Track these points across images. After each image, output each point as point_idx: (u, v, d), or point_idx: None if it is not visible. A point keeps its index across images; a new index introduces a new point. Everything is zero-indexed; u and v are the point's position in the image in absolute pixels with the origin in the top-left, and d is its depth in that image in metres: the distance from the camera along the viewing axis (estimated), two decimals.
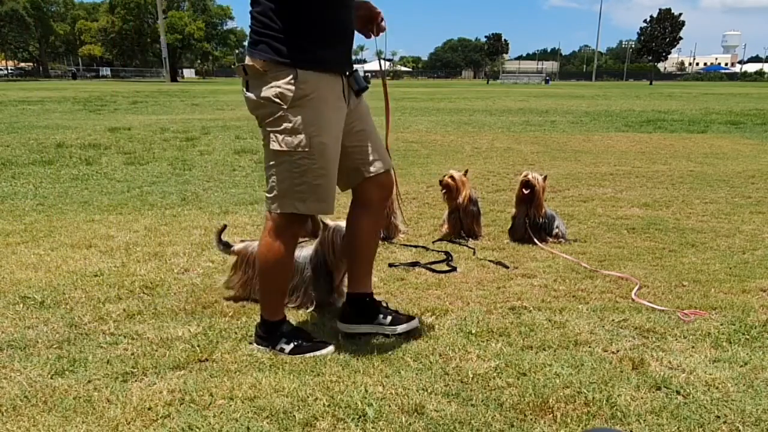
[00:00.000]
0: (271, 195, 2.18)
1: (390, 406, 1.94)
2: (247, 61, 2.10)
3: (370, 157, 2.34)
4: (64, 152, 7.78)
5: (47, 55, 77.59)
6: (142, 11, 62.69)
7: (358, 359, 2.26)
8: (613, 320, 2.64)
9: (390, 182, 2.43)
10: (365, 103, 2.35)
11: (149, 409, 1.91)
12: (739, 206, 5.03)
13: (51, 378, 2.10)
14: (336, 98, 2.16)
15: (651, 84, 64.69)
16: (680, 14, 74.44)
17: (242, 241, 2.97)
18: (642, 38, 77.07)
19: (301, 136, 2.08)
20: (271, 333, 2.33)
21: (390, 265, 3.40)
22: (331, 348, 2.32)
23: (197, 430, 1.81)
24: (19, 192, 5.35)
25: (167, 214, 4.56)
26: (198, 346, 2.35)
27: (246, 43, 2.51)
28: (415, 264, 3.42)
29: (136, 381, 2.09)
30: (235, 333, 2.48)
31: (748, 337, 2.47)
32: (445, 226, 4.11)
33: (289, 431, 1.82)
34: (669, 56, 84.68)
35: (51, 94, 23.41)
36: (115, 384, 2.06)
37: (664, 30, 74.35)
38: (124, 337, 2.43)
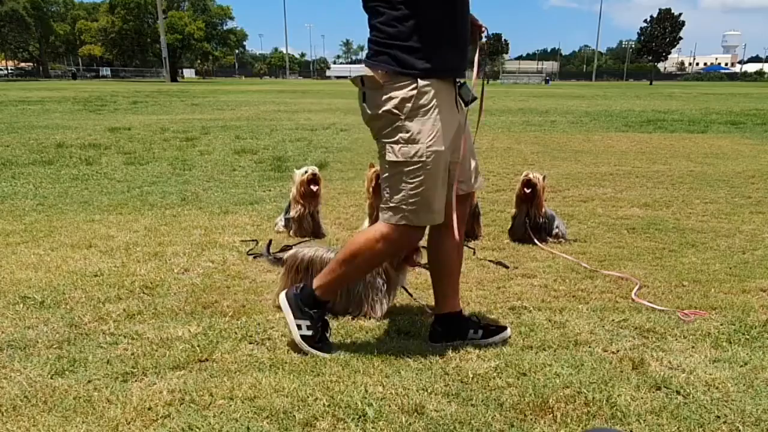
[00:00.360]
0: (385, 206, 2.17)
1: (390, 406, 1.94)
2: (365, 72, 2.10)
3: (466, 175, 2.33)
4: (64, 152, 7.78)
5: (47, 55, 77.55)
6: (142, 11, 62.66)
7: (358, 359, 2.26)
8: (613, 320, 2.64)
9: (471, 202, 2.43)
10: (467, 119, 2.34)
11: (149, 409, 1.91)
12: (739, 206, 5.03)
13: (51, 378, 2.10)
14: (451, 107, 2.15)
15: (651, 84, 64.71)
16: (680, 14, 74.42)
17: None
18: (642, 38, 77.05)
19: (418, 146, 2.06)
20: (306, 306, 2.28)
21: None
22: (335, 355, 2.29)
23: (197, 430, 1.81)
24: (19, 192, 5.35)
25: (167, 214, 4.56)
26: (198, 346, 2.35)
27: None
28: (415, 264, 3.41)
29: (136, 381, 2.09)
30: (235, 333, 2.48)
31: (748, 337, 2.47)
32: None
33: (289, 431, 1.82)
34: (669, 56, 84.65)
35: (51, 94, 23.42)
36: (115, 384, 2.06)
37: (664, 30, 74.31)
38: (124, 337, 2.43)
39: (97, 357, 2.26)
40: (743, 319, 2.65)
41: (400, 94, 2.03)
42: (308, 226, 3.99)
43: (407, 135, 2.06)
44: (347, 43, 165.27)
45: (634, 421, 1.87)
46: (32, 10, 62.97)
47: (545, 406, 1.94)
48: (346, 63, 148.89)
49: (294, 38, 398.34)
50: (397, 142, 2.07)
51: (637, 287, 3.02)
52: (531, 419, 1.88)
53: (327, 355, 2.28)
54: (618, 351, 2.34)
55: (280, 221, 4.17)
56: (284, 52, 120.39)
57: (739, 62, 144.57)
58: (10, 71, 75.63)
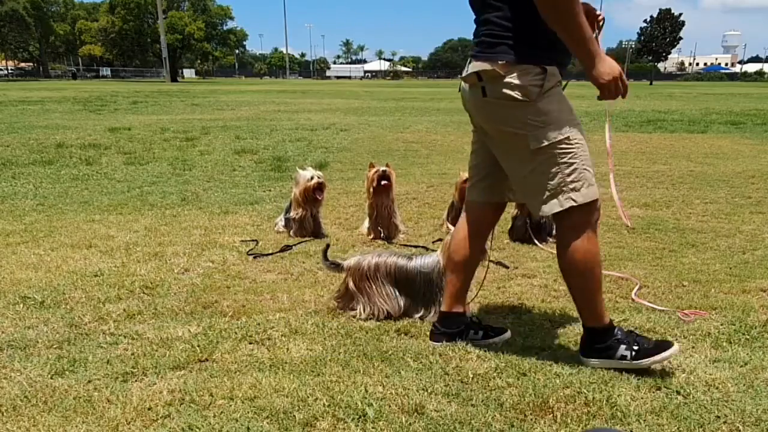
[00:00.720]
0: (543, 197, 2.08)
1: (390, 406, 1.94)
2: (480, 66, 2.05)
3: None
4: (64, 152, 7.78)
5: (47, 55, 77.49)
6: (142, 11, 62.61)
7: (358, 359, 2.26)
8: (613, 320, 2.64)
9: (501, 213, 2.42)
10: None
11: (149, 409, 1.91)
12: (739, 206, 5.03)
13: (51, 378, 2.10)
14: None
15: (651, 84, 64.71)
16: (680, 14, 74.30)
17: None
18: (642, 38, 76.94)
19: (560, 124, 2.03)
20: (606, 341, 2.15)
21: None
22: (676, 347, 2.15)
23: (197, 430, 1.81)
24: (19, 192, 5.35)
25: (167, 214, 4.56)
26: (198, 346, 2.35)
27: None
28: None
29: (136, 381, 2.09)
30: (235, 333, 2.48)
31: (748, 337, 2.47)
32: (445, 225, 4.13)
33: (289, 431, 1.82)
34: (669, 56, 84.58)
35: (51, 94, 23.42)
36: (115, 384, 2.06)
37: (664, 30, 74.20)
38: (124, 337, 2.43)
39: (97, 357, 2.26)
40: (743, 319, 2.65)
41: (525, 80, 2.00)
42: (309, 227, 3.99)
43: (545, 117, 2.01)
44: (347, 43, 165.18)
45: (634, 421, 1.87)
46: (32, 10, 62.89)
47: (545, 406, 1.94)
48: (346, 63, 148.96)
49: (294, 38, 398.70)
50: (536, 127, 2.02)
51: (637, 287, 3.02)
52: (531, 419, 1.88)
53: (671, 351, 2.12)
54: None
55: (280, 221, 4.17)
56: (284, 52, 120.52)
57: (739, 62, 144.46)
58: (10, 71, 75.56)
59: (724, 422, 1.87)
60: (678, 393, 2.03)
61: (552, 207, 2.09)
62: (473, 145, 2.39)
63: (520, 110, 2.03)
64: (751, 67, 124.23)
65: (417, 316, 2.65)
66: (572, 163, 2.05)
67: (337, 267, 2.72)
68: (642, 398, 1.99)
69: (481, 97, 2.09)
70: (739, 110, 17.72)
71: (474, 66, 2.08)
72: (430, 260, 2.67)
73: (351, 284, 2.67)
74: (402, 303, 2.65)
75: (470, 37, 2.24)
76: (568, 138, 2.04)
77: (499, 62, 2.01)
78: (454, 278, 2.41)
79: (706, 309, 2.76)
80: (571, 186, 2.06)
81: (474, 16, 2.16)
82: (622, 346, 2.15)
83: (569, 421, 1.86)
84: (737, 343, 2.41)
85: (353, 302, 2.68)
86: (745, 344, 2.41)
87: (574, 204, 2.06)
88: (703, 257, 3.60)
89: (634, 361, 2.13)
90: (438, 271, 2.63)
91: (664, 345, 2.16)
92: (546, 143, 2.03)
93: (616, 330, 2.18)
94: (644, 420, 1.87)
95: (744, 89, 44.52)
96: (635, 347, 2.14)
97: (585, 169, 2.08)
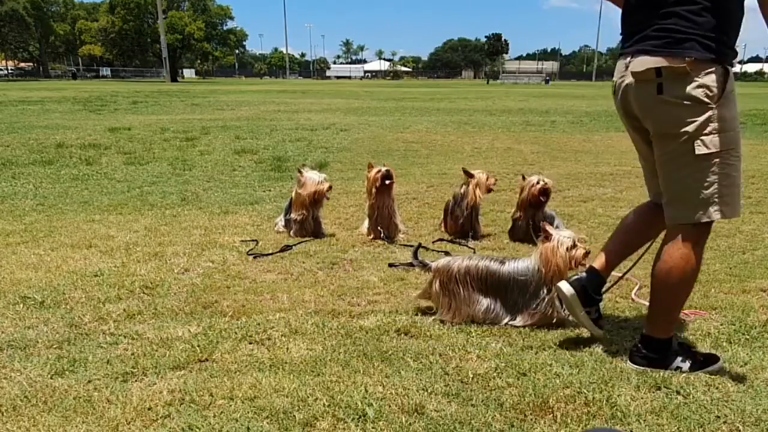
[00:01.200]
0: (691, 205, 2.03)
1: (390, 406, 1.94)
2: (662, 62, 1.95)
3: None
4: (64, 152, 7.78)
5: (47, 55, 77.50)
6: (142, 11, 62.62)
7: (358, 359, 2.26)
8: (613, 320, 2.64)
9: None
10: None
11: (149, 409, 1.91)
12: None
13: (51, 378, 2.10)
14: None
15: None
16: None
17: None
18: None
19: (732, 133, 1.97)
20: (662, 351, 2.17)
21: (390, 265, 3.41)
22: (722, 362, 2.18)
23: (197, 430, 1.81)
24: (19, 192, 5.35)
25: (167, 214, 4.56)
26: (198, 346, 2.35)
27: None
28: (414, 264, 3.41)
29: (136, 381, 2.09)
30: (235, 333, 2.48)
31: (748, 337, 2.47)
32: (441, 227, 4.15)
33: (289, 431, 1.82)
34: None
35: (51, 94, 23.41)
36: (115, 384, 2.06)
37: None
38: (124, 337, 2.44)
39: (97, 357, 2.26)
40: (743, 319, 2.65)
41: (710, 80, 1.93)
42: (309, 227, 3.99)
43: (720, 123, 1.94)
44: (347, 43, 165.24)
45: (634, 421, 1.87)
46: (32, 10, 62.88)
47: (545, 406, 1.94)
48: (346, 63, 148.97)
49: (294, 38, 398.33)
50: (709, 133, 1.94)
51: (637, 287, 3.02)
52: (531, 419, 1.88)
53: (719, 365, 2.16)
54: (618, 351, 2.34)
55: (280, 221, 4.17)
56: (284, 52, 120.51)
57: (739, 62, 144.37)
58: (10, 71, 75.53)
59: (724, 422, 1.87)
60: (678, 393, 2.03)
61: (693, 216, 2.03)
62: (638, 146, 2.31)
63: (696, 110, 1.95)
64: (751, 67, 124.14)
65: (504, 322, 2.58)
66: (732, 176, 2.00)
67: (426, 267, 2.72)
68: (642, 398, 2.00)
69: (654, 94, 2.00)
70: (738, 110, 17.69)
71: (650, 61, 1.98)
72: (524, 265, 2.60)
73: (437, 286, 2.64)
74: (486, 306, 2.59)
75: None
76: (734, 149, 1.99)
77: (687, 58, 1.92)
78: (621, 246, 2.43)
79: (706, 309, 2.76)
80: (724, 199, 2.00)
81: (633, 10, 2.08)
82: (679, 358, 2.17)
83: (569, 421, 1.86)
84: (737, 343, 2.41)
85: (437, 304, 2.64)
86: (745, 344, 2.41)
87: (722, 217, 2.02)
88: (703, 257, 3.59)
89: (689, 372, 2.15)
90: (532, 277, 2.56)
91: (713, 359, 2.19)
92: (714, 150, 1.96)
93: (674, 343, 2.19)
94: (644, 420, 1.88)
95: (744, 89, 44.48)
96: (691, 359, 2.17)
97: (738, 183, 2.03)
